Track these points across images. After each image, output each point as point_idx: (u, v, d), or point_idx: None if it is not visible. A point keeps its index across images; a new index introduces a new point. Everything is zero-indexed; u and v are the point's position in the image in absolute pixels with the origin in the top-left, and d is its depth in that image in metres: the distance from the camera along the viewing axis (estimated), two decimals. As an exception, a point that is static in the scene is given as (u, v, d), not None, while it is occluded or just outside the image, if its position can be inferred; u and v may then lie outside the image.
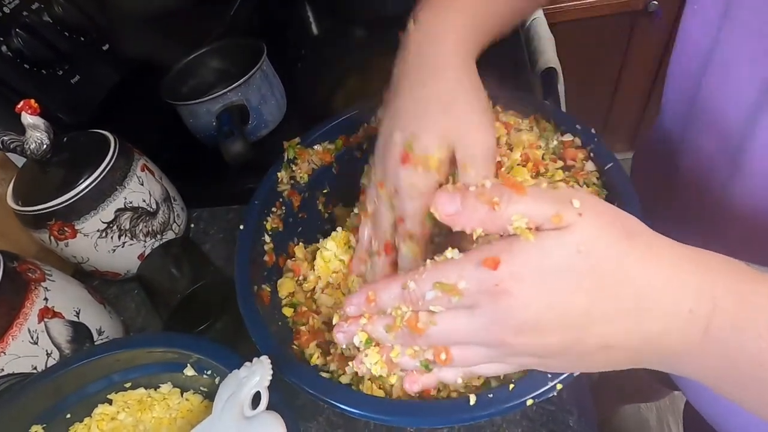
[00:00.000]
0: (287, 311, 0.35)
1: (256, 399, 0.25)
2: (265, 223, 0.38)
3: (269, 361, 0.25)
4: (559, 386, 0.24)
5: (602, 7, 0.99)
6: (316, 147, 0.42)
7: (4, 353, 0.33)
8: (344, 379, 0.30)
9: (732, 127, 0.31)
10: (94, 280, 0.50)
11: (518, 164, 0.33)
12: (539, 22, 0.77)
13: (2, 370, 0.33)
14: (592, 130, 0.34)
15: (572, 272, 0.19)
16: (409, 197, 0.27)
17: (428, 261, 0.22)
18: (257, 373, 0.25)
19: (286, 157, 0.41)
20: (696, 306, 0.20)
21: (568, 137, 0.35)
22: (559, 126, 0.36)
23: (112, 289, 0.51)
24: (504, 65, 0.64)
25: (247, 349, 0.30)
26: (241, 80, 0.56)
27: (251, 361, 0.26)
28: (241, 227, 0.36)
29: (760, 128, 0.28)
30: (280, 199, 0.40)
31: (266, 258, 0.37)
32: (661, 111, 0.42)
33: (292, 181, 0.41)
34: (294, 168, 0.41)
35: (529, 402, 0.24)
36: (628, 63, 1.06)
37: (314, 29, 0.88)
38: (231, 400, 0.25)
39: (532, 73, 0.73)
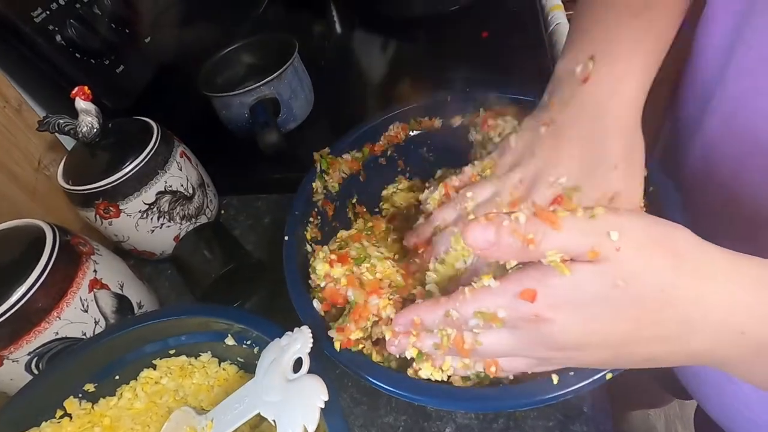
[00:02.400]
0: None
1: (297, 365, 0.27)
2: (305, 233, 0.39)
3: (309, 330, 0.27)
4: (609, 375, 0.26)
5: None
6: (344, 156, 0.44)
7: (59, 318, 0.36)
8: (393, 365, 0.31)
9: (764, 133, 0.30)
10: (131, 259, 0.53)
11: None
12: (562, 27, 0.78)
13: (57, 333, 0.36)
14: None
15: (611, 303, 0.19)
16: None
17: (467, 288, 0.23)
18: (299, 341, 0.27)
19: (319, 168, 0.43)
20: (748, 327, 0.19)
21: None
22: None
23: (147, 268, 0.54)
24: (528, 67, 0.65)
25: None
26: (274, 75, 0.58)
27: (292, 331, 0.28)
28: (286, 238, 0.37)
29: None
30: (316, 209, 0.42)
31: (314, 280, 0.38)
32: (677, 124, 0.42)
33: (325, 191, 0.43)
34: (326, 178, 0.43)
35: (609, 376, 0.25)
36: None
37: (338, 28, 0.91)
38: (273, 365, 0.27)
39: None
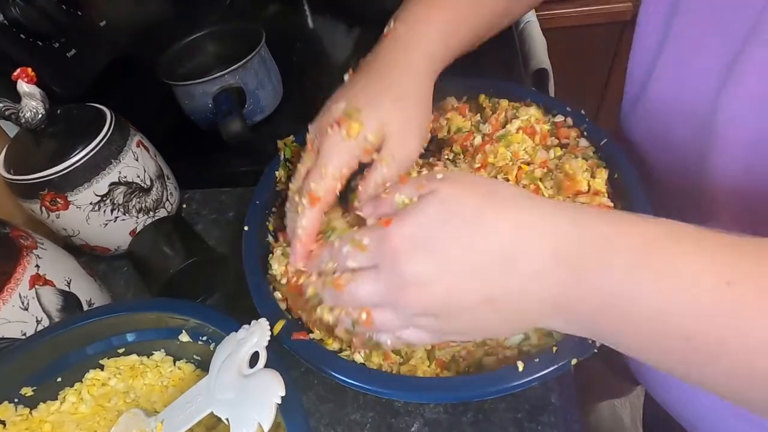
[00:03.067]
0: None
1: (253, 360, 0.25)
2: (267, 223, 0.38)
3: (267, 322, 0.26)
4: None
5: (593, 16, 1.02)
6: None
7: (-5, 316, 0.33)
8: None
9: (696, 112, 0.33)
10: (84, 256, 0.50)
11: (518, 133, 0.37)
12: (533, 25, 0.79)
13: (-9, 333, 0.33)
14: (582, 111, 0.36)
15: (443, 225, 0.23)
16: (327, 156, 0.30)
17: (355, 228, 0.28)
18: (255, 334, 0.25)
19: (283, 156, 0.41)
20: (558, 245, 0.22)
21: (559, 118, 0.37)
22: (551, 109, 0.37)
23: (101, 265, 0.51)
24: (498, 64, 0.66)
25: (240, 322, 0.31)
26: (240, 63, 0.56)
27: (249, 324, 0.27)
28: (246, 228, 0.36)
29: (721, 110, 0.31)
30: (279, 199, 0.40)
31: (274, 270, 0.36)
32: (622, 107, 0.45)
33: (289, 180, 0.41)
34: (290, 166, 0.42)
35: (574, 361, 0.26)
36: (616, 69, 1.10)
37: (310, 23, 0.89)
38: (228, 360, 0.25)
39: (525, 73, 0.75)
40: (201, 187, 0.58)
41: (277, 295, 0.34)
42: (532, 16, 0.81)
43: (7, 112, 0.41)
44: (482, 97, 0.43)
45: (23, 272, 0.35)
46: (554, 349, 0.26)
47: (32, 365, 0.31)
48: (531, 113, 0.38)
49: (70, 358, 0.32)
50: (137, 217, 0.48)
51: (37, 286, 0.36)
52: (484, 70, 0.65)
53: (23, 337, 0.34)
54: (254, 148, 0.56)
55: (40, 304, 0.36)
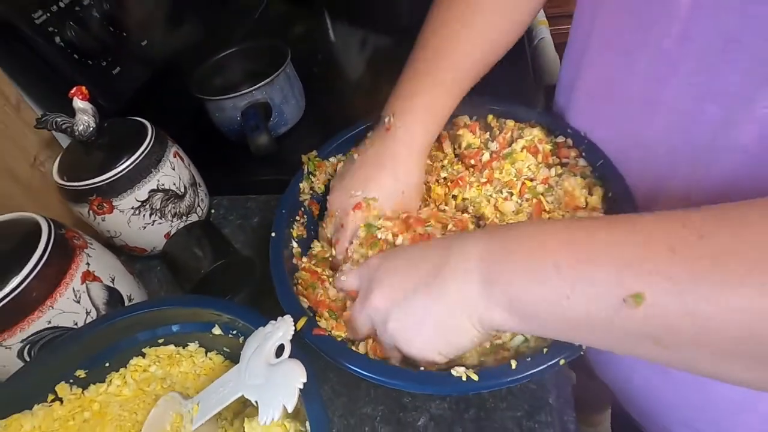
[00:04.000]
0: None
1: (279, 351, 0.29)
2: (291, 230, 0.42)
3: (291, 319, 0.29)
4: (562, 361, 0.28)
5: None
6: (331, 159, 0.46)
7: (52, 308, 0.37)
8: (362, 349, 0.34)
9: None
10: (123, 255, 0.55)
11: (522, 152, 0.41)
12: (546, 42, 0.82)
13: (49, 322, 0.37)
14: (582, 133, 0.39)
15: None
16: (351, 230, 0.40)
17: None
18: (281, 329, 0.29)
19: (306, 170, 0.45)
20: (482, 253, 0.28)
21: (560, 139, 0.40)
22: (553, 130, 0.40)
23: (137, 264, 0.56)
24: (510, 80, 0.68)
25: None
26: (267, 80, 0.61)
27: (275, 320, 0.30)
28: (273, 234, 0.40)
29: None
30: (302, 209, 0.44)
31: (295, 261, 0.41)
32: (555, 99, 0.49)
33: (312, 192, 0.45)
34: (313, 179, 0.45)
35: (562, 361, 0.28)
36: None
37: (331, 36, 0.94)
38: (257, 352, 0.29)
39: (537, 88, 0.77)
40: (228, 193, 0.62)
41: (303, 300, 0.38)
42: (545, 33, 0.84)
43: (63, 126, 0.46)
44: (491, 117, 0.46)
45: (76, 269, 0.40)
46: (545, 350, 0.28)
47: (86, 352, 0.35)
48: (534, 134, 0.41)
49: (117, 346, 0.36)
50: (172, 221, 0.52)
51: (87, 282, 0.40)
52: (497, 85, 0.67)
53: (75, 326, 0.39)
54: (278, 158, 0.60)
55: (90, 297, 0.40)
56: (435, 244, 0.32)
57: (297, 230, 0.44)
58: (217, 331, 0.35)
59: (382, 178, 0.40)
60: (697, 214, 0.22)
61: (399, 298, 0.30)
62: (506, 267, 0.26)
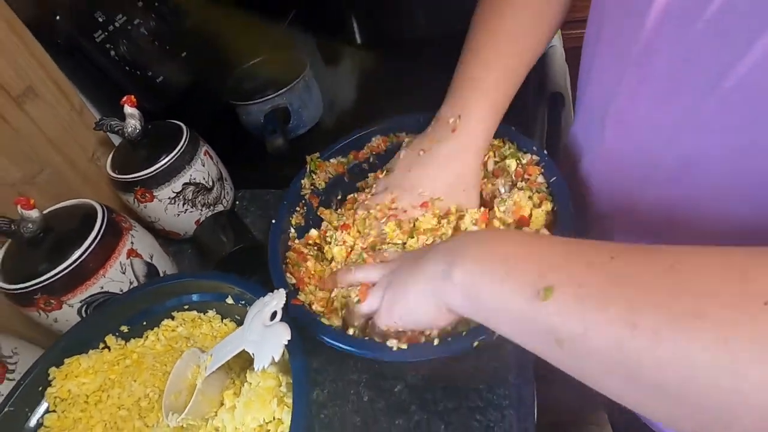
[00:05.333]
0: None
1: (273, 317, 0.36)
2: (291, 218, 0.49)
3: (284, 291, 0.37)
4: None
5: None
6: (332, 160, 0.54)
7: (104, 276, 0.46)
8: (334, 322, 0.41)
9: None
10: (159, 238, 0.64)
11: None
12: (555, 50, 0.85)
13: (102, 287, 0.46)
14: (545, 151, 0.44)
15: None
16: (407, 217, 0.45)
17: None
18: (275, 299, 0.36)
19: (308, 169, 0.53)
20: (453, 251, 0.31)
21: (529, 157, 0.45)
22: (521, 147, 0.46)
23: (171, 246, 0.65)
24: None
25: None
26: (287, 88, 0.69)
27: (272, 292, 0.38)
28: (273, 221, 0.48)
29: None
30: (303, 201, 0.51)
31: (290, 243, 0.49)
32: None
33: (313, 187, 0.53)
34: (314, 177, 0.53)
35: (476, 344, 0.34)
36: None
37: (358, 39, 1.00)
38: (257, 316, 0.37)
39: (541, 96, 0.81)
40: (251, 187, 0.71)
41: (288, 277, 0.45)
42: (556, 41, 0.87)
43: (115, 128, 0.56)
44: None
45: (123, 246, 0.49)
46: (463, 332, 0.34)
47: (128, 312, 0.44)
48: (509, 164, 0.45)
49: (153, 308, 0.45)
50: (201, 210, 0.61)
51: (131, 258, 0.49)
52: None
53: (120, 292, 0.48)
54: (295, 157, 0.68)
55: (133, 270, 0.49)
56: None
57: (296, 219, 0.51)
58: (230, 300, 0.43)
59: (449, 179, 0.44)
60: (614, 245, 0.25)
61: (404, 267, 0.36)
62: (468, 253, 0.30)
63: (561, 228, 0.39)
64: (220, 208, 0.63)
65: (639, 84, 0.35)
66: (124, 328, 0.44)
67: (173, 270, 0.56)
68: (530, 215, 0.41)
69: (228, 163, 0.66)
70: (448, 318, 0.34)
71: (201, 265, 0.62)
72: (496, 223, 0.42)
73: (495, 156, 0.46)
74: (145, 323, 0.45)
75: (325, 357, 0.50)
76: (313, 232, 0.50)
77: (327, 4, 1.10)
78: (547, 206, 0.41)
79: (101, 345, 0.43)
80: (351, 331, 0.40)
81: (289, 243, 0.49)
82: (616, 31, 0.36)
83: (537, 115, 0.74)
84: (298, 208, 0.52)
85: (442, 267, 0.31)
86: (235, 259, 0.56)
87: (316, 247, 0.50)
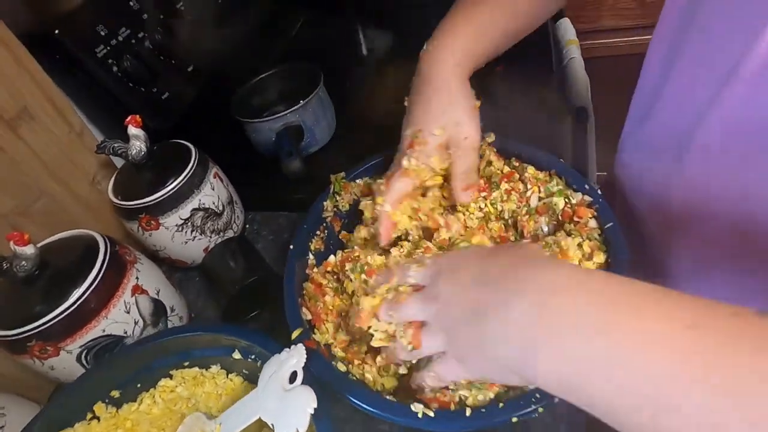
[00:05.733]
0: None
1: (292, 377, 0.32)
2: (310, 244, 0.45)
3: (304, 347, 0.33)
4: (540, 410, 0.30)
5: (643, 46, 1.01)
6: (357, 181, 0.49)
7: (107, 317, 0.42)
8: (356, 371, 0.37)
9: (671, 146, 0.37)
10: (164, 265, 0.60)
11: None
12: (576, 62, 0.81)
13: (104, 330, 0.42)
14: (599, 191, 0.40)
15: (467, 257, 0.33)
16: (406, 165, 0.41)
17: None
18: (294, 356, 0.32)
19: (332, 189, 0.48)
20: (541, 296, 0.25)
21: (578, 196, 0.40)
22: (571, 184, 0.41)
23: (178, 274, 0.61)
24: (537, 101, 0.69)
25: (285, 336, 0.38)
26: (300, 104, 0.65)
27: (290, 347, 0.34)
28: (291, 247, 0.44)
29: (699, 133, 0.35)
30: (324, 224, 0.47)
31: (308, 271, 0.44)
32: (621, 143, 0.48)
33: (335, 209, 0.48)
34: (338, 198, 0.49)
35: (514, 419, 0.30)
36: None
37: (364, 50, 0.97)
38: (273, 377, 0.33)
39: (564, 111, 0.77)
40: (262, 209, 0.67)
41: (304, 311, 0.40)
42: (576, 53, 0.83)
43: (119, 151, 0.52)
44: (513, 160, 0.46)
45: (128, 283, 0.45)
46: (500, 405, 0.30)
47: (120, 373, 0.40)
48: (555, 202, 0.41)
49: (148, 368, 0.40)
50: (210, 237, 0.57)
51: (136, 295, 0.45)
52: (524, 106, 0.68)
53: (125, 335, 0.44)
54: (308, 177, 0.64)
55: (138, 309, 0.45)
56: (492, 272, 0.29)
57: (315, 244, 0.47)
58: (237, 355, 0.39)
59: (417, 107, 0.42)
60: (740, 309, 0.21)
61: (461, 309, 0.29)
62: (560, 332, 0.24)
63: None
64: (230, 233, 0.60)
65: (744, 108, 0.31)
66: (115, 393, 0.40)
67: (181, 305, 0.52)
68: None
69: (236, 182, 0.62)
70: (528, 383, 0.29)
71: (210, 296, 0.58)
72: None
73: (540, 191, 0.42)
74: (139, 385, 0.41)
75: (348, 404, 0.46)
76: (332, 259, 0.46)
77: (335, 12, 1.06)
78: (600, 257, 0.36)
79: (89, 415, 0.39)
80: (402, 370, 0.36)
81: (307, 271, 0.45)
82: (710, 49, 0.33)
83: (563, 131, 0.70)
84: (318, 232, 0.48)
85: (530, 352, 0.25)
86: (249, 292, 0.52)
87: (335, 277, 0.46)
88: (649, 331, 0.21)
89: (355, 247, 0.46)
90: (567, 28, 0.89)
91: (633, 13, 1.03)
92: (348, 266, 0.44)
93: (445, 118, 0.40)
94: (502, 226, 0.42)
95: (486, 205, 0.43)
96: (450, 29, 0.42)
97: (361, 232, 0.47)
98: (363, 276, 0.41)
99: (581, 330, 0.23)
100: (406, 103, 0.44)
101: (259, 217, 0.66)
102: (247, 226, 0.65)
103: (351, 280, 0.42)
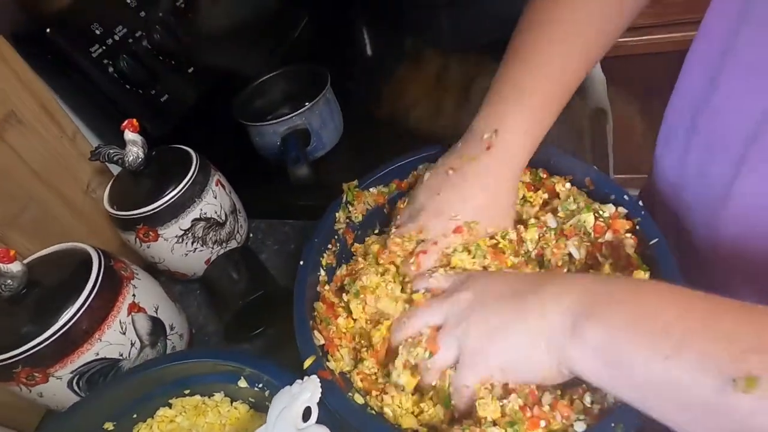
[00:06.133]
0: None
1: (306, 413, 0.29)
2: (321, 259, 0.42)
3: (318, 380, 0.29)
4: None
5: (659, 45, 0.98)
6: (371, 190, 0.46)
7: (100, 340, 0.39)
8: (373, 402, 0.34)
9: (724, 164, 0.34)
10: (163, 276, 0.57)
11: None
12: (596, 70, 0.78)
13: (97, 354, 0.39)
14: (640, 203, 0.36)
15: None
16: (439, 249, 0.38)
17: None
18: (308, 390, 0.29)
19: (344, 199, 0.45)
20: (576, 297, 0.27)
21: (611, 208, 0.36)
22: (608, 195, 0.38)
23: (178, 286, 0.58)
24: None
25: (294, 356, 0.34)
26: (307, 106, 0.61)
27: (302, 378, 0.31)
28: (301, 263, 0.40)
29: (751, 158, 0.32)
30: (336, 237, 0.44)
31: (319, 288, 0.41)
32: (656, 157, 0.44)
33: (348, 220, 0.45)
34: (350, 209, 0.45)
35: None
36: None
37: (368, 50, 0.94)
38: (284, 413, 0.29)
39: (582, 113, 0.74)
40: (266, 216, 0.63)
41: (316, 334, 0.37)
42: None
43: (115, 157, 0.49)
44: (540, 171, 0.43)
45: (123, 301, 0.42)
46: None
47: (114, 404, 0.37)
48: (584, 219, 0.36)
49: (145, 397, 0.37)
50: (212, 248, 0.54)
51: (132, 314, 0.42)
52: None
53: (121, 357, 0.41)
54: (316, 183, 0.61)
55: (135, 329, 0.42)
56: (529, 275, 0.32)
57: (327, 258, 0.43)
58: (242, 383, 0.35)
59: (483, 200, 0.38)
60: None
61: (488, 301, 0.30)
62: (609, 308, 0.25)
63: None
64: (233, 244, 0.56)
65: None
66: (109, 426, 0.36)
67: (181, 322, 0.49)
68: None
69: (238, 188, 0.59)
70: (566, 377, 0.28)
71: (212, 310, 0.55)
72: None
73: (559, 211, 0.38)
74: (135, 416, 0.37)
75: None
76: (343, 270, 0.43)
77: (339, 10, 1.03)
78: (641, 276, 0.32)
79: (81, 451, 0.36)
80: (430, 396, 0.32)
81: (318, 288, 0.42)
82: None
83: (583, 135, 0.67)
84: (330, 245, 0.44)
85: (569, 320, 0.26)
86: (253, 307, 0.49)
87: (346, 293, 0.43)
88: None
89: (359, 259, 0.43)
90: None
91: (649, 11, 1.00)
92: (346, 281, 0.41)
93: (501, 221, 0.39)
94: (523, 260, 0.38)
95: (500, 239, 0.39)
96: (522, 119, 0.38)
97: (372, 241, 0.44)
98: (365, 303, 0.38)
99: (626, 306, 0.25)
100: (444, 170, 0.40)
101: (263, 225, 0.63)
102: (251, 235, 0.62)
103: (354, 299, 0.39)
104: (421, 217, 0.39)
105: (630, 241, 0.34)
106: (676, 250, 0.40)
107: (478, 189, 0.38)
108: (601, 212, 0.36)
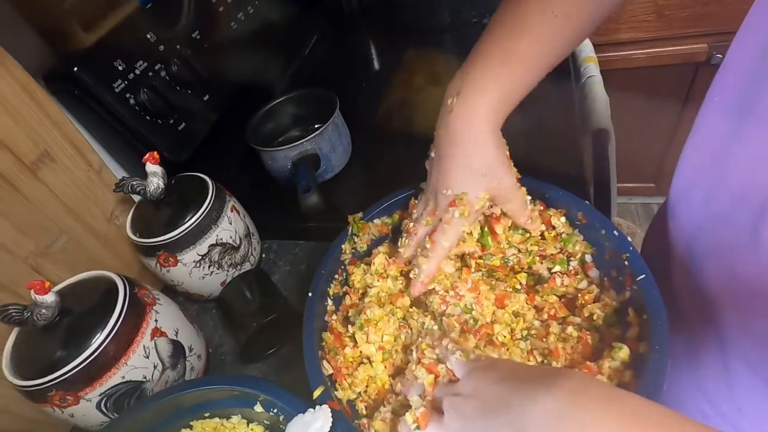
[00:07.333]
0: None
1: (318, 440, 0.32)
2: (328, 289, 0.44)
3: (329, 410, 0.32)
4: None
5: (662, 58, 0.99)
6: (375, 221, 0.48)
7: (126, 364, 0.42)
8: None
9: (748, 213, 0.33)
10: (180, 297, 0.60)
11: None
12: (595, 80, 0.79)
13: (123, 377, 0.42)
14: (629, 238, 0.38)
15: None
16: (450, 225, 0.40)
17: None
18: (320, 419, 0.32)
19: (350, 231, 0.47)
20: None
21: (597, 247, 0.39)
22: (600, 229, 0.40)
23: (194, 306, 0.61)
24: (555, 125, 0.67)
25: (305, 376, 0.37)
26: (316, 132, 0.64)
27: (314, 407, 0.33)
28: (310, 294, 0.42)
29: None
30: (342, 267, 0.46)
31: (326, 318, 0.43)
32: (670, 198, 0.44)
33: (353, 251, 0.47)
34: (356, 240, 0.47)
35: None
36: (686, 117, 1.05)
37: (375, 65, 0.96)
38: (298, 438, 0.32)
39: (583, 132, 0.75)
40: (278, 237, 0.66)
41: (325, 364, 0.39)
42: (595, 71, 0.81)
43: (137, 189, 0.52)
44: (538, 203, 0.44)
45: (147, 327, 0.45)
46: None
47: (139, 426, 0.39)
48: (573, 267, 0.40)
49: (168, 419, 0.39)
50: (228, 271, 0.57)
51: (155, 338, 0.45)
52: (540, 129, 0.66)
53: (144, 380, 0.44)
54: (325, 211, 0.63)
55: (157, 352, 0.45)
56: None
57: (334, 288, 0.46)
58: (258, 408, 0.38)
59: (455, 170, 0.38)
60: None
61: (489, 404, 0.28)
62: None
63: (652, 368, 0.30)
64: (247, 266, 0.59)
65: None
66: None
67: (199, 343, 0.52)
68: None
69: (251, 210, 0.62)
70: None
71: (227, 330, 0.58)
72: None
73: (553, 250, 0.40)
74: None
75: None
76: (347, 301, 0.45)
77: (346, 27, 1.06)
78: (633, 315, 0.34)
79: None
80: None
81: (326, 318, 0.44)
82: None
83: (584, 156, 0.69)
84: (336, 276, 0.47)
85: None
86: (267, 328, 0.52)
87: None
88: None
89: (355, 282, 0.45)
90: (584, 44, 0.88)
91: (651, 25, 1.01)
92: (350, 312, 0.43)
93: (488, 180, 0.38)
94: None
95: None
96: (480, 81, 0.37)
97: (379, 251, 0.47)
98: (370, 334, 0.40)
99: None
100: (432, 154, 0.41)
101: (276, 245, 0.65)
102: (263, 255, 0.65)
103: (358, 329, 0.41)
104: (430, 201, 0.42)
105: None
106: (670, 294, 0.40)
107: (448, 159, 0.39)
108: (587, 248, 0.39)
